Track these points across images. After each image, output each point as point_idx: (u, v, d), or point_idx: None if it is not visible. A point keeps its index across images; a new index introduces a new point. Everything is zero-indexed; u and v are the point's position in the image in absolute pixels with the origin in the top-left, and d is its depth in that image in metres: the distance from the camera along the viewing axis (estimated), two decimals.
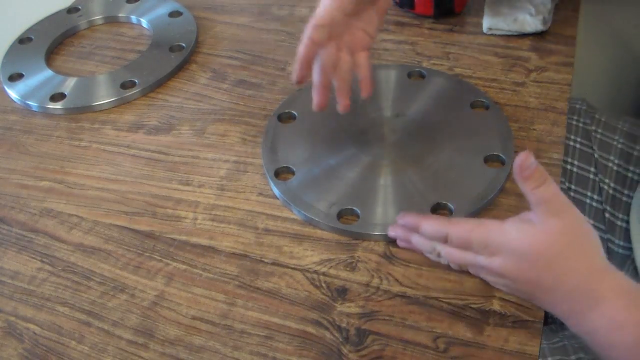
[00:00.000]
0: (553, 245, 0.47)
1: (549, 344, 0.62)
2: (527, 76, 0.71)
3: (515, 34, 0.75)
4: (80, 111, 0.75)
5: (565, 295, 0.46)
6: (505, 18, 0.74)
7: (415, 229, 0.54)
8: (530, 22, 0.74)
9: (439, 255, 0.53)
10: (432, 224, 0.53)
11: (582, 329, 0.46)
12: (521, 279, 0.48)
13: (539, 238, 0.47)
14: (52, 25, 0.88)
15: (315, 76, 0.59)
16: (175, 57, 0.79)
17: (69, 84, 0.78)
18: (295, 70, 0.59)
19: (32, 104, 0.76)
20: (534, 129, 0.64)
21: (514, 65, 0.72)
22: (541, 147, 0.62)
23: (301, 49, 0.57)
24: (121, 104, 0.75)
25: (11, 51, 0.85)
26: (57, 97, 0.76)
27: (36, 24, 0.89)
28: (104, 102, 0.75)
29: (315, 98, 0.60)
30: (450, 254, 0.52)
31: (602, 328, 0.44)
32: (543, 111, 0.66)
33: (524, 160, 0.46)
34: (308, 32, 0.57)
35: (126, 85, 0.76)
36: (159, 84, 0.77)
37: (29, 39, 0.86)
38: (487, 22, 0.76)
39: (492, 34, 0.76)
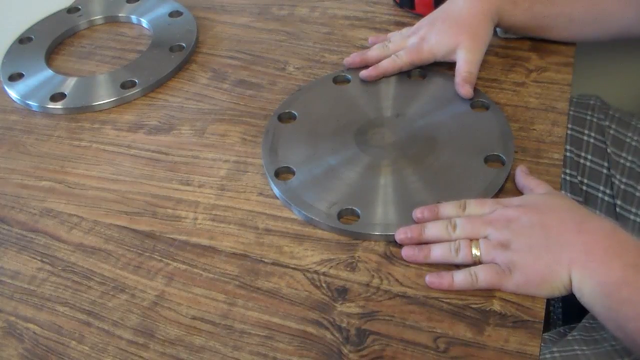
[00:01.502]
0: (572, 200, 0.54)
1: (561, 352, 0.61)
2: (527, 76, 0.71)
3: (521, 36, 0.75)
4: (80, 111, 0.75)
5: (582, 230, 0.50)
6: None
7: (433, 217, 0.55)
8: None
9: (457, 250, 0.52)
10: (449, 203, 0.56)
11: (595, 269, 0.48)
12: (543, 206, 0.52)
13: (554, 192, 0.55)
14: (52, 25, 0.88)
15: (372, 56, 0.72)
16: (175, 57, 0.79)
17: (69, 84, 0.78)
18: (355, 58, 0.72)
19: (32, 103, 0.76)
20: (534, 129, 0.64)
21: (514, 65, 0.72)
22: (541, 147, 0.62)
23: (387, 62, 0.70)
24: (121, 104, 0.75)
25: (11, 51, 0.85)
26: (57, 97, 0.76)
27: (36, 24, 0.89)
28: (104, 102, 0.75)
29: (356, 58, 0.72)
30: (467, 218, 0.53)
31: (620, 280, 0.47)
32: (543, 111, 0.66)
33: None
34: (405, 56, 0.69)
35: (126, 85, 0.76)
36: (159, 84, 0.77)
37: (29, 39, 0.86)
38: None
39: (504, 37, 0.75)
